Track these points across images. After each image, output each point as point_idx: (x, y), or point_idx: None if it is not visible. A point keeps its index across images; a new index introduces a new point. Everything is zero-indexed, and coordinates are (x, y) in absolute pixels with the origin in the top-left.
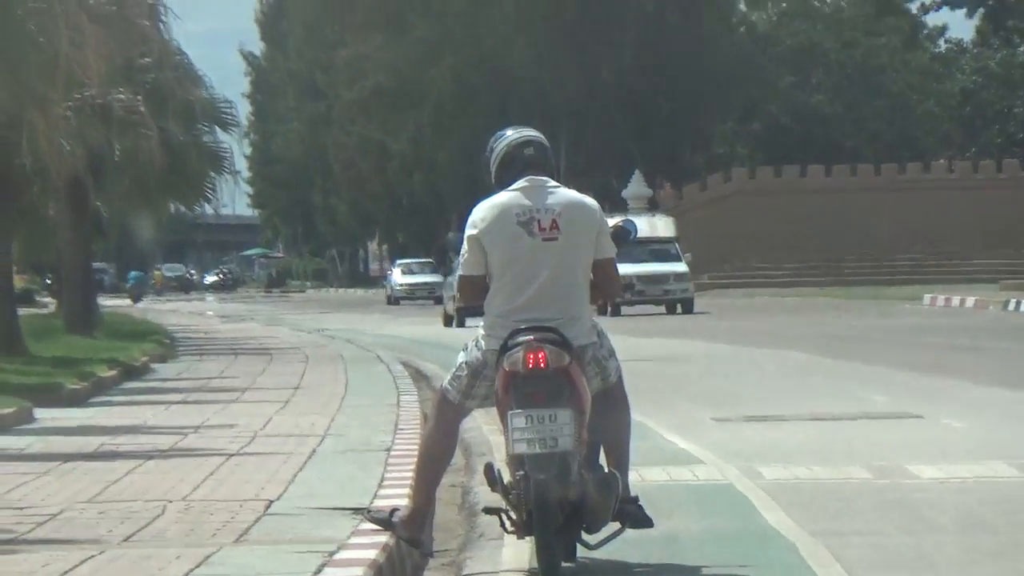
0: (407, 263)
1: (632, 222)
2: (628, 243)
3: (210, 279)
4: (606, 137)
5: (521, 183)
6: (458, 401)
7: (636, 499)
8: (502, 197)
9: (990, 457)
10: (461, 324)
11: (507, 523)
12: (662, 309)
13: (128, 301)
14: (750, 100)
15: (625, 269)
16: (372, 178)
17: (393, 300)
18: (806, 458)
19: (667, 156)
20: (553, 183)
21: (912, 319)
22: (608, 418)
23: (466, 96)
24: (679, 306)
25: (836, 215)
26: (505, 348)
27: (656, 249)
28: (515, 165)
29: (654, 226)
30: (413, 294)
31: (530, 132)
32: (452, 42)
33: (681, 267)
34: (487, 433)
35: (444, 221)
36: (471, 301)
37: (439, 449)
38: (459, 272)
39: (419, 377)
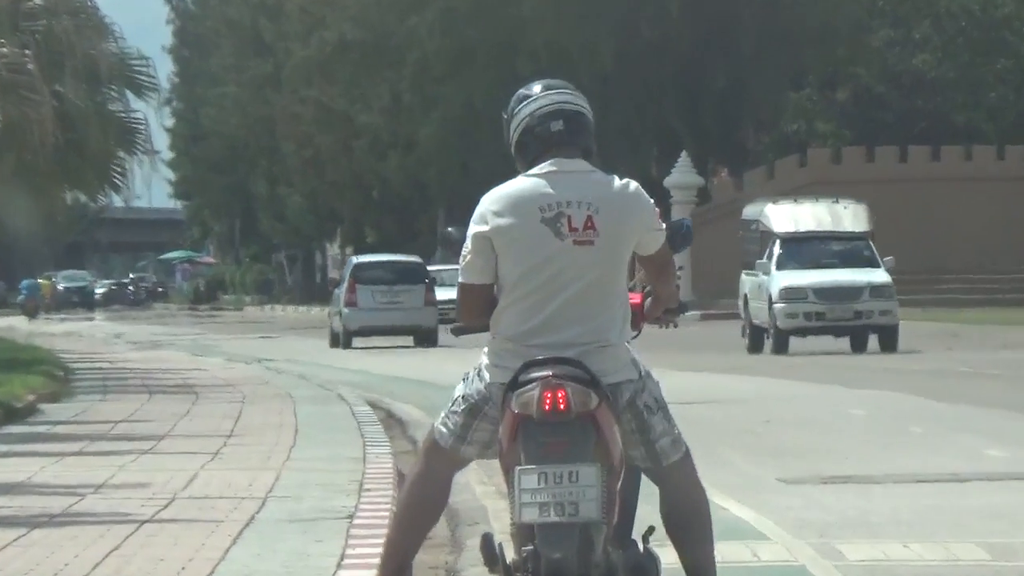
0: (437, 270)
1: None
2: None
3: (101, 290)
4: (644, 111)
5: (546, 167)
6: (451, 446)
7: None
8: (521, 184)
9: None
10: (348, 345)
11: None
12: (844, 344)
13: (22, 318)
14: (834, 62)
15: (795, 279)
16: (333, 160)
17: None
18: (901, 532)
19: (722, 135)
20: (588, 167)
21: None
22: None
23: (458, 54)
24: (875, 337)
25: (946, 211)
26: (515, 383)
27: (842, 250)
28: (536, 143)
29: (837, 217)
30: (448, 315)
31: (565, 95)
32: None
33: (880, 276)
34: (481, 496)
35: (428, 217)
36: (473, 319)
37: (422, 507)
38: (459, 279)
39: (392, 423)
